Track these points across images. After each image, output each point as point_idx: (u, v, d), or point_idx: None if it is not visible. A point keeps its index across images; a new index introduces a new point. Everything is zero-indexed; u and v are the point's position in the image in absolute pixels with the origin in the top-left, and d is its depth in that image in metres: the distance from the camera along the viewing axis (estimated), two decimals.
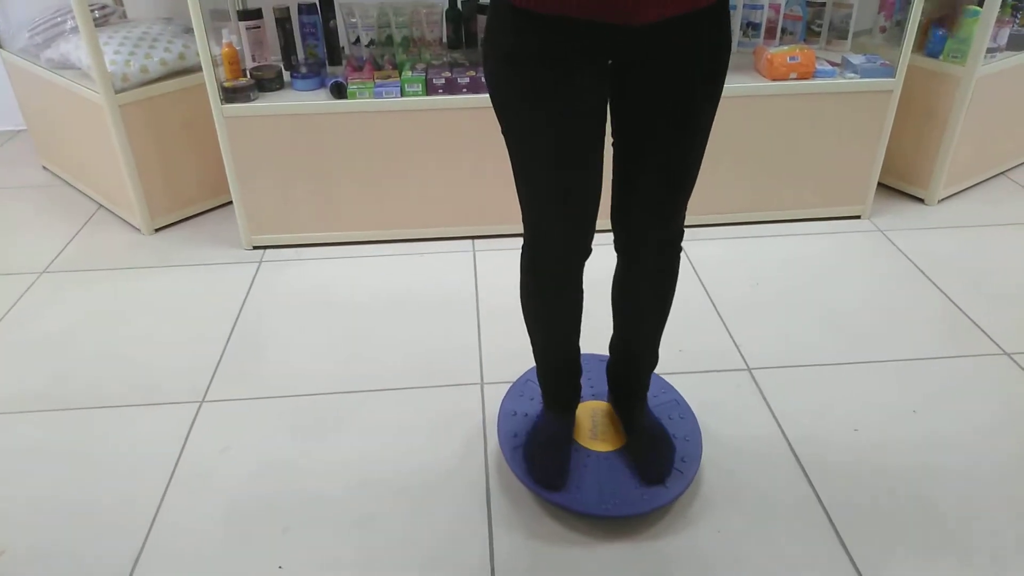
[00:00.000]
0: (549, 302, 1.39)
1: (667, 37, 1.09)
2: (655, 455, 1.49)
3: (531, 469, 1.48)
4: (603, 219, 1.31)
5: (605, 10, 1.02)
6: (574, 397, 1.56)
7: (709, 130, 1.22)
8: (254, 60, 2.40)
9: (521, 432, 1.57)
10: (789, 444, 1.64)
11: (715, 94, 1.18)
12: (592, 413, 1.62)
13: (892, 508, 1.48)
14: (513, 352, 1.92)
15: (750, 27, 2.51)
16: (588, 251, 1.32)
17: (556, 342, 1.46)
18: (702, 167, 2.37)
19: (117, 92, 2.28)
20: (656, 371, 1.82)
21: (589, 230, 1.28)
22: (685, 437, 1.56)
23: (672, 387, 1.70)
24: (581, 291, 1.40)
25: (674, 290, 1.42)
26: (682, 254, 1.39)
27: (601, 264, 1.47)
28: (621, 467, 1.49)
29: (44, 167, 2.99)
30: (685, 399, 1.67)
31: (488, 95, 1.22)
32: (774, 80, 2.30)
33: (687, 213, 1.31)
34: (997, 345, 1.93)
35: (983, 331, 1.99)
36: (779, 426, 1.69)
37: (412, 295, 2.18)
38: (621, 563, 1.38)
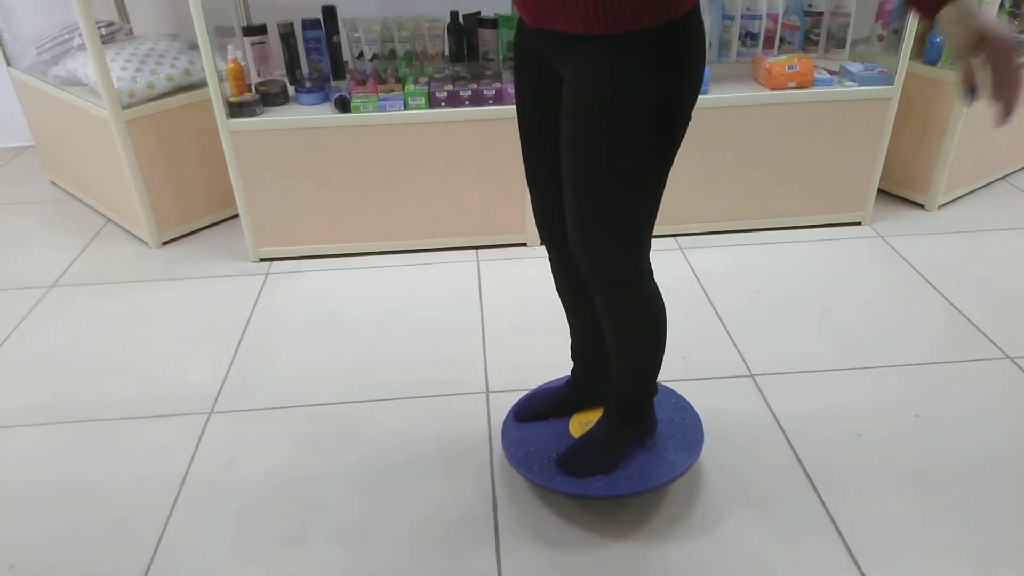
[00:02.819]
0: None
1: (571, 53, 1.12)
2: (573, 448, 1.50)
3: (518, 402, 1.63)
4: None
5: (522, 9, 1.15)
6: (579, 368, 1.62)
7: (604, 170, 1.14)
8: (259, 75, 2.43)
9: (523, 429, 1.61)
10: (793, 450, 1.65)
11: (590, 131, 1.12)
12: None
13: (898, 513, 1.49)
14: (517, 361, 1.94)
15: (748, 37, 2.54)
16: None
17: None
18: (698, 179, 2.40)
19: (124, 108, 2.31)
20: (660, 378, 1.83)
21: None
22: (685, 435, 1.57)
23: (676, 392, 1.71)
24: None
25: (629, 338, 1.36)
26: (641, 300, 1.32)
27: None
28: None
29: (52, 182, 3.02)
30: (693, 407, 1.67)
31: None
32: (773, 89, 2.32)
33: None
34: (1000, 349, 1.94)
35: (985, 336, 2.00)
36: (783, 432, 1.70)
37: (417, 306, 2.20)
38: (625, 566, 1.39)
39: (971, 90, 0.95)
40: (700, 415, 1.64)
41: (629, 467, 1.49)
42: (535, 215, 1.41)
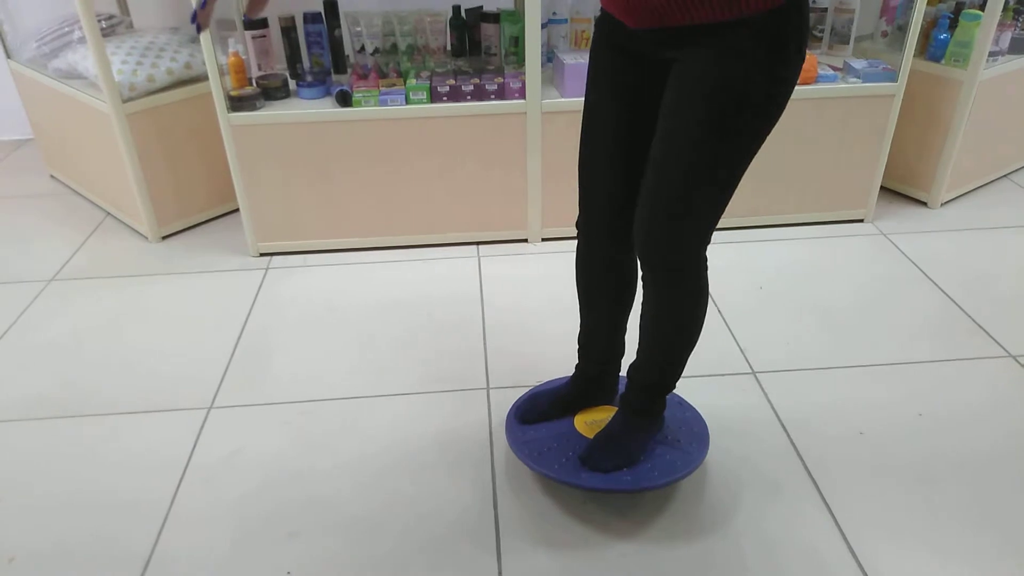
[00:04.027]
0: None
1: (684, 43, 1.13)
2: (595, 444, 1.50)
3: (519, 402, 1.64)
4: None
5: (623, 16, 1.16)
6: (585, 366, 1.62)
7: (707, 162, 1.17)
8: (260, 69, 2.42)
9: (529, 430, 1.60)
10: (795, 447, 1.64)
11: (713, 127, 1.13)
12: (609, 416, 1.63)
13: (899, 511, 1.49)
14: (518, 357, 1.93)
15: None
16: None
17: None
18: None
19: (124, 101, 2.30)
20: None
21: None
22: (692, 427, 1.57)
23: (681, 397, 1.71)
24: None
25: (677, 325, 1.37)
26: (701, 286, 1.33)
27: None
28: None
29: (52, 176, 3.02)
30: (688, 402, 1.67)
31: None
32: None
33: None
34: (1002, 347, 1.94)
35: (988, 334, 1.99)
36: (784, 429, 1.69)
37: (417, 301, 2.19)
38: (626, 564, 1.38)
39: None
40: (702, 411, 1.63)
41: (651, 459, 1.49)
42: (582, 203, 1.41)
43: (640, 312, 1.40)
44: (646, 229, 1.26)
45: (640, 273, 1.38)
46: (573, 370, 1.64)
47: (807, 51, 1.31)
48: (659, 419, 1.52)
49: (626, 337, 1.56)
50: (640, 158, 1.29)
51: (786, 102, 1.16)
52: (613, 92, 1.28)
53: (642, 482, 1.45)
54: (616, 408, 1.60)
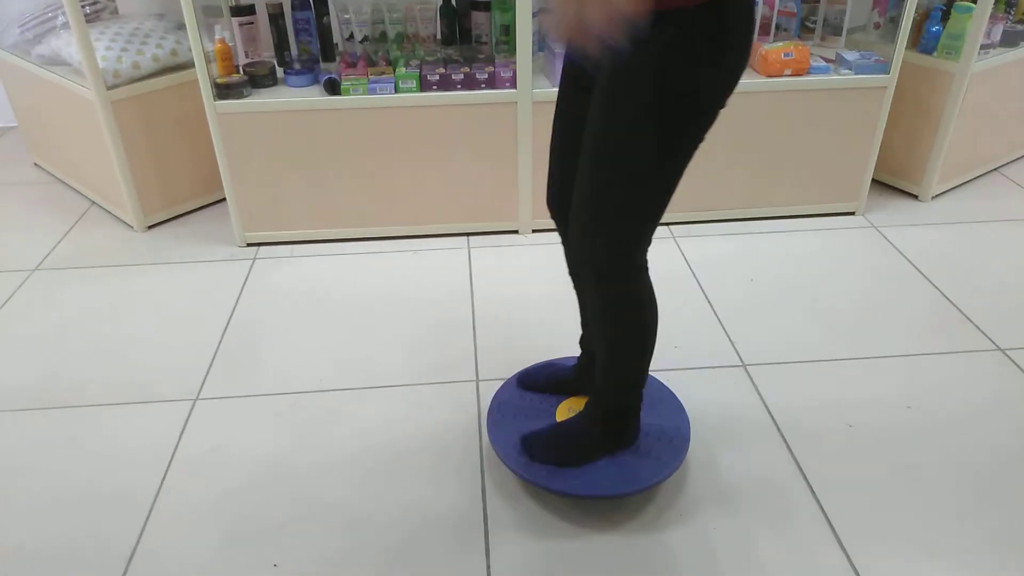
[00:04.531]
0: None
1: None
2: (544, 431, 1.49)
3: (524, 371, 1.66)
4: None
5: None
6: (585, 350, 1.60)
7: (621, 158, 1.10)
8: (247, 56, 2.38)
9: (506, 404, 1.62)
10: (784, 440, 1.64)
11: (626, 121, 1.08)
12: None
13: (888, 504, 1.49)
14: (508, 349, 1.92)
15: None
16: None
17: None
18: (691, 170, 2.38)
19: (109, 88, 2.27)
20: (652, 368, 1.82)
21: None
22: (673, 432, 1.55)
23: (666, 387, 1.69)
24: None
25: (613, 336, 1.33)
26: (629, 298, 1.27)
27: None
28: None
29: (36, 164, 2.97)
30: (676, 396, 1.66)
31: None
32: (769, 76, 2.30)
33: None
34: (991, 340, 1.94)
35: (977, 327, 1.99)
36: (774, 422, 1.69)
37: (406, 293, 2.17)
38: (613, 557, 1.38)
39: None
40: (692, 406, 1.63)
41: (618, 466, 1.46)
42: (549, 196, 1.40)
43: None
44: (573, 227, 1.21)
45: None
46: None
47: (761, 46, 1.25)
48: (624, 438, 1.48)
49: None
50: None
51: (713, 104, 1.08)
52: (567, 81, 1.29)
53: (593, 488, 1.42)
54: None
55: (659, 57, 1.03)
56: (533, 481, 1.45)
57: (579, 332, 1.60)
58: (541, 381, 1.65)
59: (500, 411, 1.60)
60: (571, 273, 1.49)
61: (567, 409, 1.60)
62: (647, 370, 1.41)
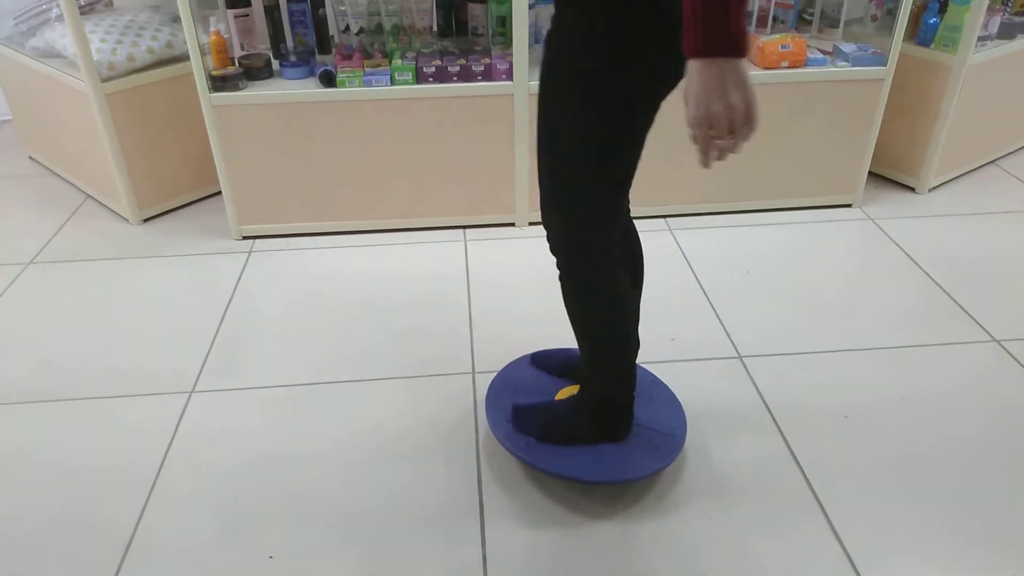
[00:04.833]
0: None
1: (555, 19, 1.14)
2: (541, 407, 1.52)
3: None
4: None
5: None
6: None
7: (564, 125, 1.14)
8: (242, 49, 2.37)
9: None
10: (780, 431, 1.64)
11: (562, 95, 1.13)
12: None
13: (884, 494, 1.49)
14: (504, 342, 1.92)
15: None
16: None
17: None
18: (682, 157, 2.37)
19: (104, 81, 2.26)
20: (645, 360, 1.82)
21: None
22: (670, 423, 1.55)
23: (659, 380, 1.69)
24: None
25: (579, 309, 1.33)
26: (589, 277, 1.29)
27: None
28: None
29: (30, 157, 2.96)
30: (671, 389, 1.66)
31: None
32: (765, 69, 2.29)
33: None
34: (987, 332, 1.94)
35: (973, 319, 1.99)
36: (770, 413, 1.69)
37: (403, 285, 2.17)
38: (608, 545, 1.38)
39: (692, 135, 0.99)
40: (688, 398, 1.63)
41: (608, 452, 1.47)
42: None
43: None
44: (540, 201, 1.27)
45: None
46: None
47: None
48: (612, 431, 1.47)
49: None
50: None
51: (639, 89, 1.10)
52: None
53: (582, 473, 1.43)
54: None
55: (567, 39, 1.09)
56: (529, 461, 1.45)
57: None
58: (552, 362, 1.67)
59: (504, 382, 1.62)
60: None
61: (568, 394, 1.60)
62: (631, 364, 1.41)
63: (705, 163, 0.97)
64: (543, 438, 1.48)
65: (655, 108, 1.14)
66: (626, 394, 1.45)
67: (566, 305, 1.36)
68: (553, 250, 1.30)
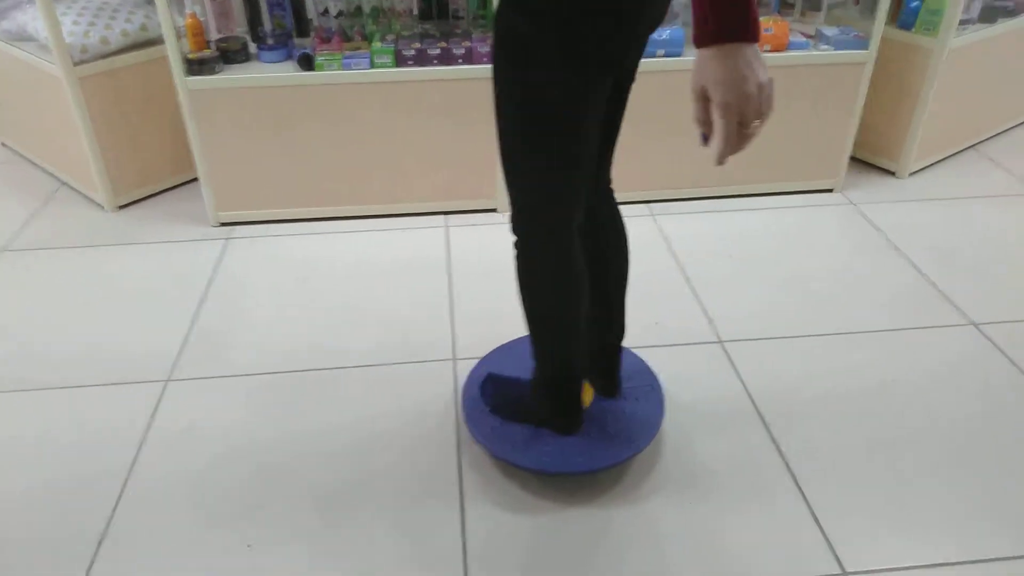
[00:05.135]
0: None
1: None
2: (515, 383, 1.54)
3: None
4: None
5: None
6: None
7: (507, 111, 1.14)
8: (219, 31, 2.34)
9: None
10: (760, 416, 1.64)
11: (499, 75, 1.12)
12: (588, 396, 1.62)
13: (865, 479, 1.50)
14: (485, 329, 1.91)
15: None
16: None
17: None
18: (666, 142, 2.36)
19: (76, 64, 2.21)
20: (628, 344, 1.82)
21: None
22: (645, 410, 1.55)
23: (642, 362, 1.69)
24: None
25: (527, 292, 1.32)
26: (536, 260, 1.28)
27: None
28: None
29: (3, 143, 2.91)
30: (653, 371, 1.65)
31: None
32: None
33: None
34: (965, 315, 1.95)
35: (952, 302, 2.00)
36: (751, 398, 1.69)
37: (383, 272, 2.15)
38: (587, 530, 1.38)
39: (704, 133, 0.98)
40: (668, 383, 1.63)
41: (578, 443, 1.47)
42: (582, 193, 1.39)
43: None
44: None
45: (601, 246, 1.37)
46: None
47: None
48: (557, 418, 1.47)
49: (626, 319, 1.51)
50: None
51: (581, 72, 1.07)
52: None
53: (561, 466, 1.43)
54: (607, 397, 1.57)
55: (508, 18, 1.08)
56: (500, 455, 1.45)
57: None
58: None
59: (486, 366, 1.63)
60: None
61: None
62: (574, 355, 1.38)
63: (726, 155, 0.95)
64: (496, 409, 1.51)
65: (602, 93, 1.12)
66: (568, 386, 1.43)
67: (518, 285, 1.34)
68: (511, 229, 1.28)
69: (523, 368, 1.54)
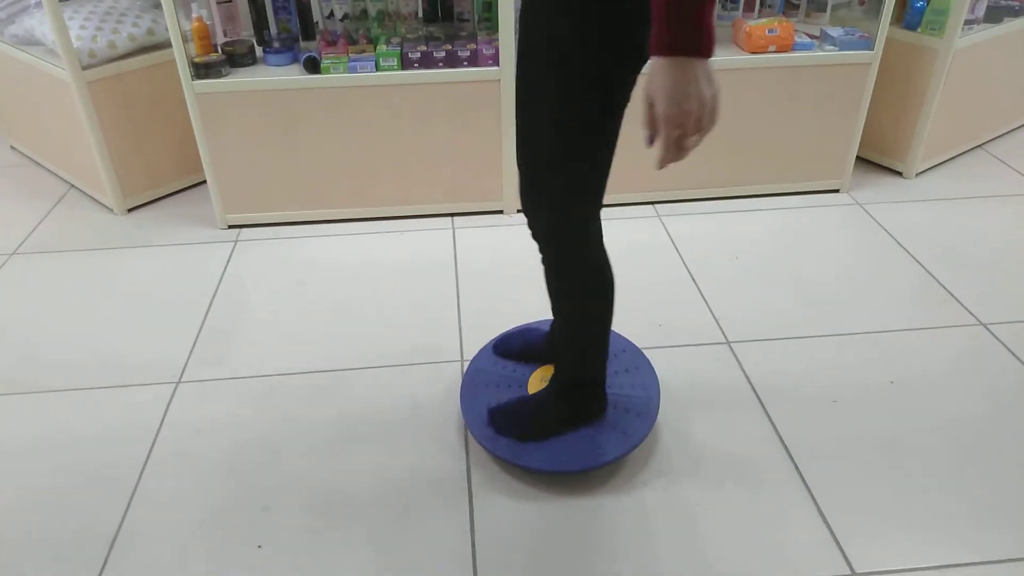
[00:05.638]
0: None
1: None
2: (513, 405, 1.52)
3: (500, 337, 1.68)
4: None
5: None
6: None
7: (551, 110, 1.14)
8: (225, 35, 2.35)
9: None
10: (768, 415, 1.65)
11: (555, 71, 1.11)
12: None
13: (871, 478, 1.50)
14: (493, 329, 1.91)
15: (729, 0, 2.49)
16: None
17: None
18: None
19: (84, 68, 2.22)
20: (637, 345, 1.82)
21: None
22: (642, 403, 1.57)
23: (640, 352, 1.69)
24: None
25: (572, 296, 1.34)
26: (580, 264, 1.29)
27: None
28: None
29: (12, 147, 2.92)
30: (652, 365, 1.66)
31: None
32: (753, 53, 2.28)
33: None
34: (973, 316, 1.95)
35: (959, 302, 2.00)
36: (758, 398, 1.69)
37: (390, 274, 2.16)
38: (592, 524, 1.38)
39: (650, 136, 0.98)
40: (675, 383, 1.63)
41: (574, 441, 1.48)
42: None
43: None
44: (520, 187, 1.27)
45: None
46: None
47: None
48: (589, 412, 1.49)
49: None
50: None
51: (625, 69, 1.10)
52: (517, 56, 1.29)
53: (555, 464, 1.44)
54: None
55: (551, 20, 1.09)
56: (500, 456, 1.47)
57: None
58: (515, 349, 1.67)
59: (474, 380, 1.63)
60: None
61: (539, 379, 1.61)
62: (605, 343, 1.42)
63: (666, 162, 0.97)
64: (523, 437, 1.48)
65: (632, 87, 1.15)
66: (603, 371, 1.47)
67: (549, 291, 1.36)
68: (536, 236, 1.30)
69: (506, 374, 1.61)
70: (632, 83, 1.13)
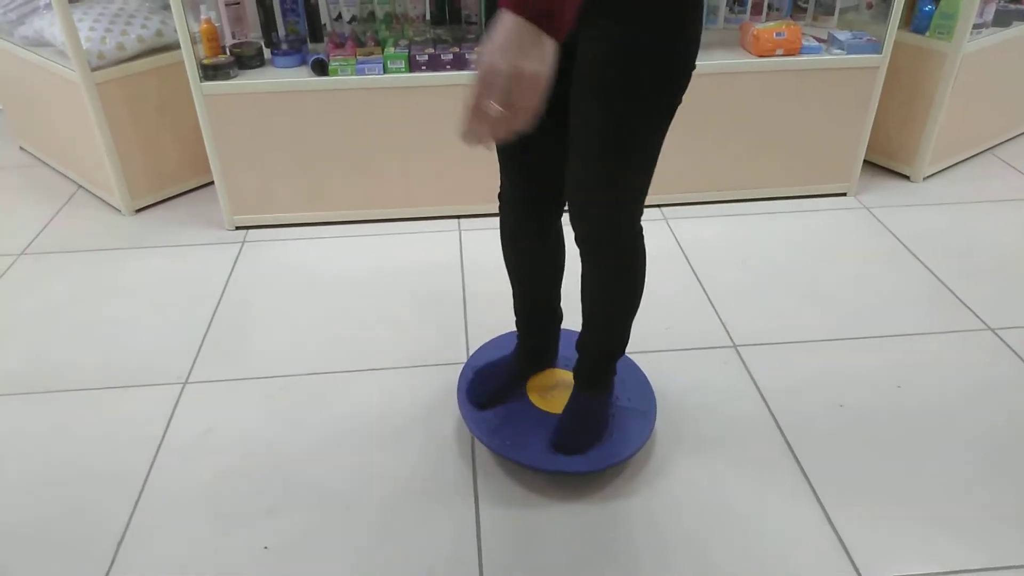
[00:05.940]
0: None
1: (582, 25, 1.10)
2: (564, 428, 1.51)
3: (468, 388, 1.61)
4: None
5: None
6: (528, 336, 1.63)
7: (636, 134, 1.15)
8: (234, 37, 2.35)
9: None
10: (775, 420, 1.64)
11: (620, 103, 1.11)
12: (557, 380, 1.65)
13: (878, 483, 1.49)
14: (499, 332, 1.91)
15: (736, 3, 2.49)
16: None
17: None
18: (685, 148, 2.36)
19: (93, 70, 2.23)
20: (642, 350, 1.82)
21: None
22: (630, 400, 1.58)
23: (635, 364, 1.70)
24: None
25: (622, 297, 1.39)
26: (638, 259, 1.35)
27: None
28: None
29: (21, 147, 2.94)
30: (643, 372, 1.67)
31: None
32: (760, 56, 2.28)
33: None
34: (981, 320, 1.94)
35: (968, 307, 1.99)
36: (765, 402, 1.69)
37: (397, 276, 2.16)
38: (600, 526, 1.38)
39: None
40: (682, 387, 1.63)
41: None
42: (514, 185, 1.40)
43: (580, 285, 1.40)
44: (577, 204, 1.26)
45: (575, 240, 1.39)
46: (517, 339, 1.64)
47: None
48: (610, 384, 1.57)
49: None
50: (544, 129, 1.22)
51: (679, 69, 1.12)
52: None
53: (597, 462, 1.45)
54: (559, 368, 1.67)
55: (618, 49, 1.09)
56: (507, 456, 1.47)
57: (569, 314, 1.59)
58: (498, 388, 1.61)
59: (486, 424, 1.56)
60: (519, 254, 1.51)
61: (537, 394, 1.61)
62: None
63: (468, 132, 0.87)
64: (601, 435, 1.51)
65: None
66: (625, 342, 1.52)
67: (597, 297, 1.39)
68: (587, 243, 1.31)
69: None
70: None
